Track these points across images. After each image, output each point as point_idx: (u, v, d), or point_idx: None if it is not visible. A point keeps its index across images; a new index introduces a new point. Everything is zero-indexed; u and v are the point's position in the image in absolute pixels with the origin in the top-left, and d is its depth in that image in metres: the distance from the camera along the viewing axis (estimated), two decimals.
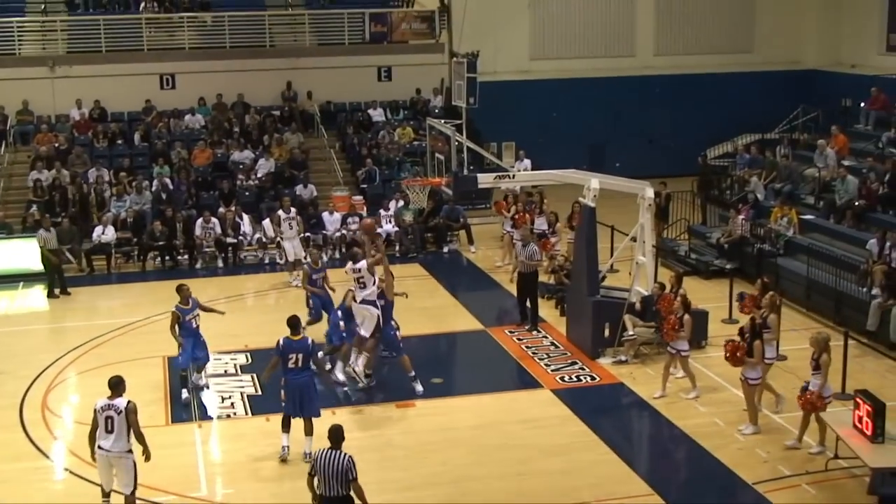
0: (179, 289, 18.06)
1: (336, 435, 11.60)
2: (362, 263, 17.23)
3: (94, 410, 13.13)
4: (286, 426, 15.16)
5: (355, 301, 17.37)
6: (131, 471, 13.08)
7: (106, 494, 13.22)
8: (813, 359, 14.81)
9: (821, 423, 14.91)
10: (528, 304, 21.04)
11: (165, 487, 14.26)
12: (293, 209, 25.23)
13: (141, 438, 13.15)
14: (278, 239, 25.50)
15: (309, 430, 15.01)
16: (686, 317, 17.05)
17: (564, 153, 29.53)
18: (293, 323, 15.21)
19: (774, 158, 27.55)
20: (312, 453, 14.24)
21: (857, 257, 21.26)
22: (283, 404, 15.15)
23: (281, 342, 15.02)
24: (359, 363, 17.39)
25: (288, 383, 15.00)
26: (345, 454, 11.47)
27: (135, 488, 13.14)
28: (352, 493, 11.42)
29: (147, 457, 13.10)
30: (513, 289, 22.37)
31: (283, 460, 15.04)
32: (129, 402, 13.12)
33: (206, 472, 14.99)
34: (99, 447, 13.04)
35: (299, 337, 15.09)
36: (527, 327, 20.91)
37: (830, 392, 14.93)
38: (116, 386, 13.24)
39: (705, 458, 15.06)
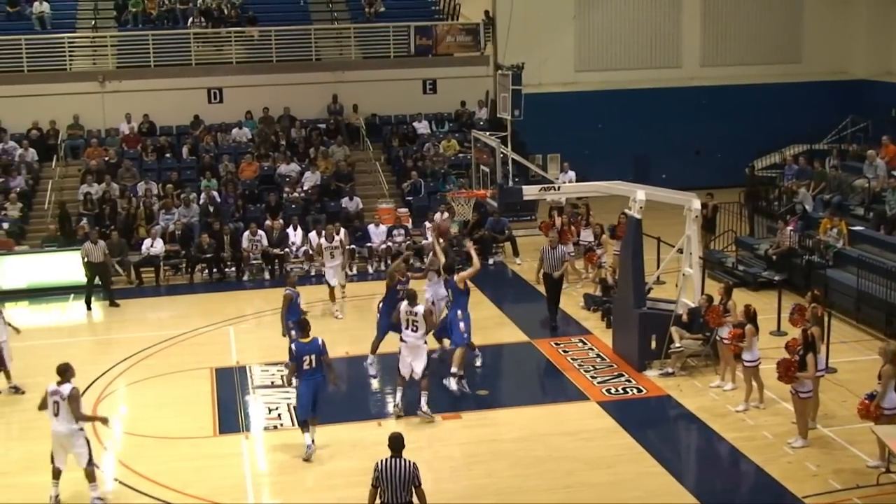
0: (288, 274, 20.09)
1: (397, 443, 11.66)
2: (420, 308, 17.15)
3: (46, 392, 14.25)
4: (305, 426, 15.70)
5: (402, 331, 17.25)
6: (84, 445, 14.14)
7: (56, 475, 14.25)
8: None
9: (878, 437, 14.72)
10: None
11: (213, 497, 14.36)
12: (336, 237, 23.56)
13: (85, 420, 14.32)
14: (321, 268, 24.20)
15: (313, 425, 15.76)
16: (748, 326, 16.88)
17: (610, 165, 29.48)
18: (302, 326, 15.86)
19: (823, 169, 27.28)
20: (311, 446, 15.50)
21: None
22: (296, 409, 16.04)
23: (293, 347, 15.62)
24: (422, 403, 17.04)
25: (303, 384, 15.55)
26: (409, 460, 11.55)
27: (90, 459, 14.17)
28: (415, 499, 11.49)
29: (105, 422, 15.01)
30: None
31: (307, 460, 15.45)
32: (72, 388, 14.16)
33: (254, 482, 15.05)
34: (53, 431, 14.15)
35: (309, 339, 15.58)
36: (551, 324, 21.75)
37: (894, 403, 14.48)
38: (64, 372, 14.29)
39: (754, 472, 14.93)
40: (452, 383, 17.94)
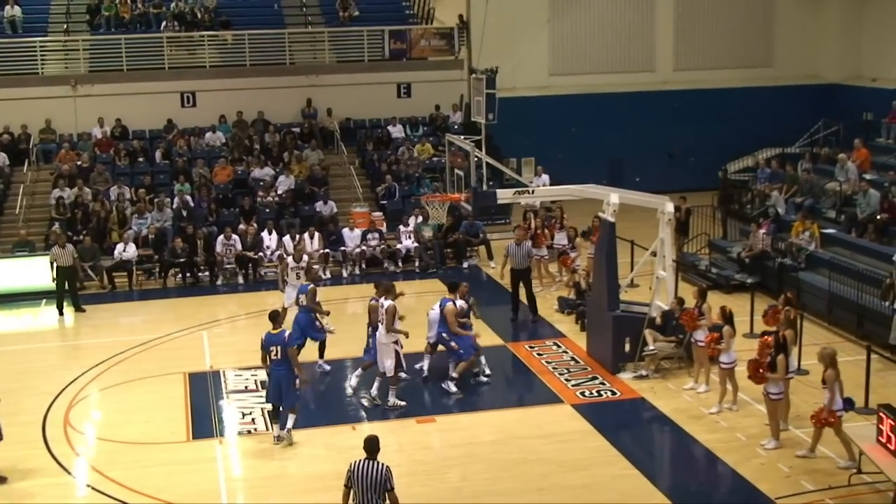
0: (310, 269, 21.69)
1: (372, 445, 11.63)
2: (387, 303, 17.51)
3: None
4: (275, 416, 16.42)
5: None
6: None
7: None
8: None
9: (842, 437, 14.84)
10: (525, 297, 22.27)
11: (187, 502, 14.31)
12: (305, 257, 22.57)
13: None
14: (281, 285, 22.30)
15: (285, 419, 16.14)
16: (726, 328, 16.96)
17: (584, 168, 29.60)
18: (273, 317, 16.35)
19: (795, 172, 27.46)
20: (283, 437, 16.01)
21: (879, 271, 21.15)
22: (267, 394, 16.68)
23: (263, 337, 16.18)
24: (391, 396, 17.61)
25: (270, 375, 16.27)
26: (382, 464, 11.51)
27: None
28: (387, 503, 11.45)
29: None
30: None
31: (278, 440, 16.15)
32: None
33: (228, 487, 15.00)
34: None
35: (278, 331, 16.09)
36: (532, 318, 22.26)
37: (840, 406, 14.79)
38: None
39: (728, 473, 14.99)
40: (452, 386, 18.33)
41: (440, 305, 18.82)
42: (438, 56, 34.96)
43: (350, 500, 11.50)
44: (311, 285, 19.83)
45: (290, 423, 16.15)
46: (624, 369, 18.89)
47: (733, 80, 36.64)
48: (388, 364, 17.47)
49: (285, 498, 14.46)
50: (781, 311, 17.25)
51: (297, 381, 16.27)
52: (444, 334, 18.70)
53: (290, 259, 22.25)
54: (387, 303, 17.53)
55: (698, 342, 17.66)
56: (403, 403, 17.60)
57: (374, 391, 17.77)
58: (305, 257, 22.50)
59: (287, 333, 16.21)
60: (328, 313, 20.13)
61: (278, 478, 15.15)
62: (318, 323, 19.54)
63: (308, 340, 19.17)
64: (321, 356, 19.62)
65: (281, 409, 16.34)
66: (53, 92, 32.48)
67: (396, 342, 17.55)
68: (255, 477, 15.35)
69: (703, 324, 17.63)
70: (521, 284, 22.50)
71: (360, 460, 11.53)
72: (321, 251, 26.86)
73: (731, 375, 17.00)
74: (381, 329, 17.51)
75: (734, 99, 36.23)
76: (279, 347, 15.94)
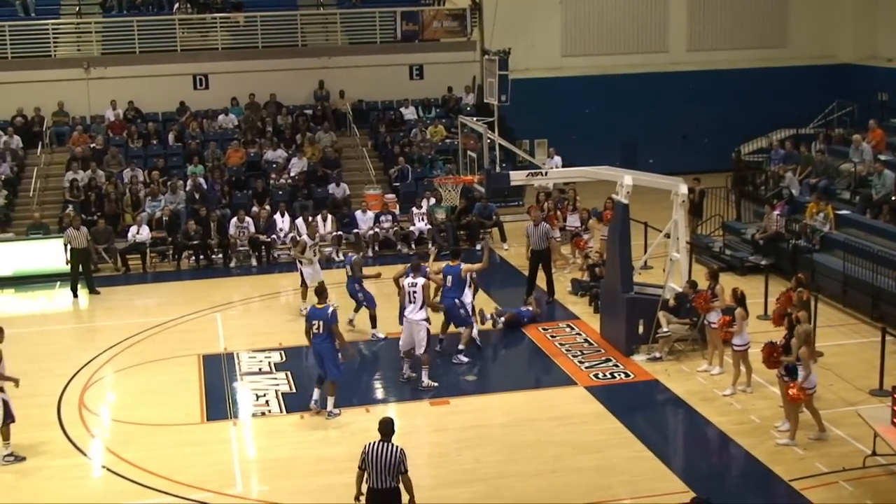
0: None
1: (386, 427, 11.70)
2: (420, 280, 17.69)
3: None
4: (320, 382, 16.62)
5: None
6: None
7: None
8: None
9: (811, 410, 15.17)
10: (544, 278, 22.36)
11: (201, 484, 14.33)
12: (317, 235, 23.42)
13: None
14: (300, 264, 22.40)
15: (331, 391, 16.43)
16: (738, 310, 16.91)
17: (597, 150, 29.56)
18: (319, 291, 16.61)
19: (809, 153, 27.31)
20: (333, 412, 16.19)
21: (894, 253, 21.04)
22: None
23: (307, 310, 16.90)
24: (423, 376, 17.73)
25: (312, 348, 16.47)
26: (396, 446, 11.56)
27: (5, 419, 15.01)
28: (400, 485, 11.52)
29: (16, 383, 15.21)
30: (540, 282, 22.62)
31: (313, 410, 16.59)
32: None
33: (242, 469, 15.03)
34: None
35: (322, 305, 16.33)
36: (547, 300, 22.31)
37: (814, 383, 15.06)
38: None
39: (742, 455, 14.98)
40: (462, 357, 18.79)
41: (445, 272, 19.08)
42: (451, 37, 34.86)
43: (364, 482, 11.53)
44: (356, 255, 20.59)
45: (330, 404, 16.43)
46: (637, 351, 18.88)
47: (747, 61, 36.54)
48: (423, 345, 17.60)
49: (299, 480, 14.47)
50: (793, 295, 17.20)
51: (341, 354, 16.51)
52: (456, 300, 18.88)
53: (305, 237, 22.43)
54: (421, 280, 17.70)
55: (711, 324, 17.63)
56: (436, 384, 17.66)
57: (406, 369, 17.97)
58: (320, 231, 22.87)
59: (332, 309, 16.31)
60: (379, 275, 20.95)
61: (292, 459, 15.17)
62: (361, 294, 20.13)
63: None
64: (374, 325, 20.16)
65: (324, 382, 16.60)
66: (66, 74, 32.54)
67: (427, 319, 17.67)
68: (269, 458, 15.38)
69: (716, 306, 17.60)
70: (540, 267, 22.40)
71: (374, 442, 11.56)
72: (334, 233, 26.86)
73: (744, 358, 16.95)
74: (411, 307, 17.59)
75: (748, 79, 36.12)
76: (321, 322, 16.16)
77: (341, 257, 26.35)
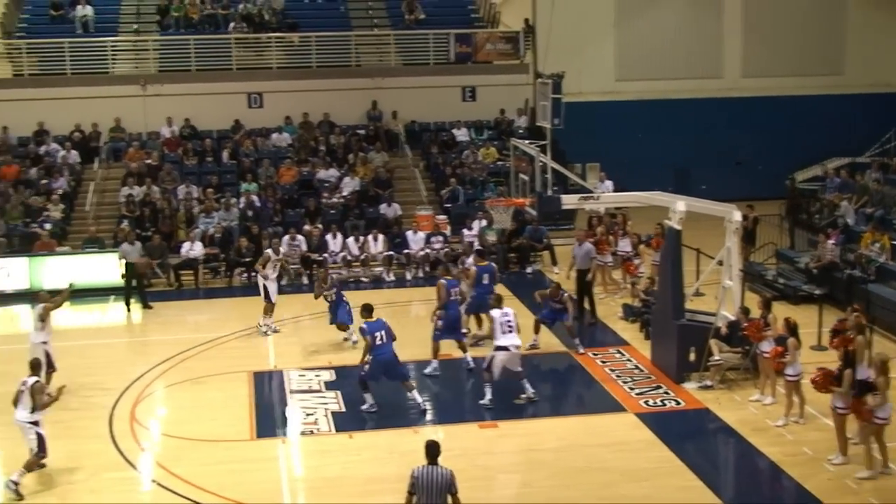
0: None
1: (434, 450, 11.67)
2: (511, 310, 18.08)
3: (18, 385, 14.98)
4: (366, 387, 17.51)
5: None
6: (34, 440, 14.73)
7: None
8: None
9: (882, 444, 14.83)
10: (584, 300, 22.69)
11: (250, 501, 14.38)
12: (282, 250, 23.84)
13: (43, 408, 14.88)
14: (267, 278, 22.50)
15: (409, 388, 17.74)
16: (791, 340, 16.75)
17: (649, 175, 29.31)
18: (367, 308, 17.64)
19: (865, 182, 27.05)
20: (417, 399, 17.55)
21: None
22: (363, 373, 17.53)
23: (364, 326, 17.40)
24: (527, 387, 17.91)
25: (375, 359, 17.24)
26: (446, 469, 11.55)
27: (39, 452, 14.75)
28: None
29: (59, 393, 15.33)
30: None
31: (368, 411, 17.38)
32: (36, 380, 14.98)
33: (290, 487, 15.07)
34: (15, 418, 14.86)
35: (375, 319, 17.48)
36: (589, 321, 22.51)
37: (888, 412, 14.69)
38: (32, 367, 15.35)
39: (793, 488, 14.77)
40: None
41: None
42: (504, 60, 34.98)
43: None
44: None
45: (417, 396, 17.64)
46: (689, 379, 18.70)
47: (802, 88, 36.28)
48: (519, 366, 17.96)
49: (346, 499, 14.46)
50: (849, 322, 17.00)
51: None
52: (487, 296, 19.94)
53: (269, 251, 22.87)
54: (512, 310, 18.18)
55: (764, 353, 17.46)
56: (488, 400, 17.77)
57: (489, 395, 17.83)
58: (282, 250, 23.71)
59: (383, 321, 17.45)
60: None
61: (340, 479, 15.18)
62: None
63: None
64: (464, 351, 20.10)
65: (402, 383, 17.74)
66: (123, 91, 33.02)
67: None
68: (317, 477, 15.43)
69: (769, 335, 17.42)
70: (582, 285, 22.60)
71: (422, 466, 11.54)
72: (385, 253, 26.97)
73: (797, 388, 16.76)
74: (511, 335, 17.81)
75: (803, 106, 35.88)
76: (383, 332, 17.24)
77: (392, 277, 26.51)
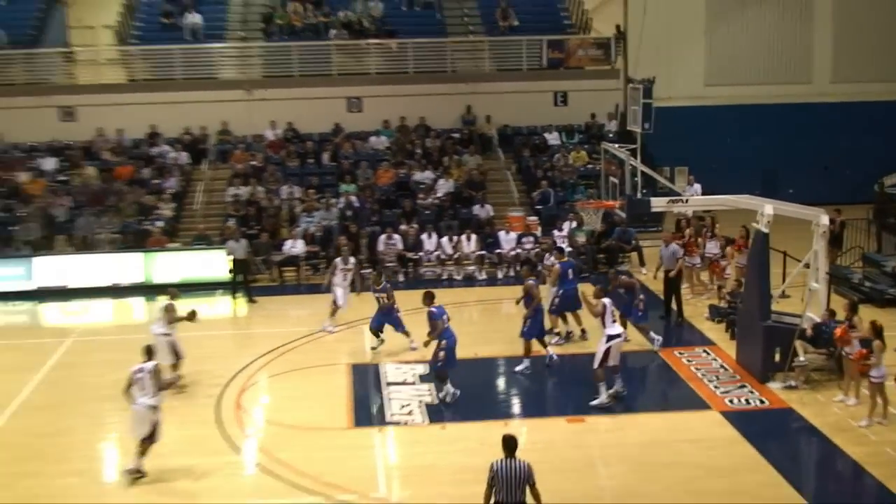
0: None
1: (511, 444, 11.81)
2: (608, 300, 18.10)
3: (129, 373, 15.06)
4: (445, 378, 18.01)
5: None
6: (151, 424, 14.94)
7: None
8: None
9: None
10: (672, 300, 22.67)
11: (347, 486, 14.72)
12: (352, 259, 23.37)
13: (163, 389, 15.33)
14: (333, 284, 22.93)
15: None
16: (876, 342, 16.64)
17: (737, 179, 29.11)
18: (430, 295, 18.65)
19: None
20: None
21: None
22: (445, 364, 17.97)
23: (435, 310, 18.24)
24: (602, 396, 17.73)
25: (449, 339, 18.09)
26: (524, 461, 11.70)
27: (147, 437, 14.94)
28: (529, 498, 11.66)
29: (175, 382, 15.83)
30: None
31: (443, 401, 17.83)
32: (155, 364, 15.22)
33: (385, 474, 15.39)
34: (137, 403, 14.93)
35: (438, 305, 18.52)
36: (676, 321, 22.49)
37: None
38: (148, 352, 15.35)
39: (875, 487, 14.68)
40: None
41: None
42: (595, 65, 34.89)
43: (494, 495, 11.68)
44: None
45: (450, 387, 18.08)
46: (773, 379, 18.62)
47: (891, 93, 35.54)
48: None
49: (439, 487, 14.73)
50: None
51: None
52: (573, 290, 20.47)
53: (338, 261, 22.83)
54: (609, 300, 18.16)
55: (849, 355, 17.33)
56: (605, 401, 17.71)
57: (618, 385, 17.97)
58: (352, 259, 23.18)
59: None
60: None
61: (432, 468, 15.45)
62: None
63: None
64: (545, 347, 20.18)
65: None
66: (230, 96, 33.59)
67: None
68: (411, 465, 15.73)
69: (854, 337, 17.29)
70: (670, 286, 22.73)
71: (501, 460, 11.71)
72: (477, 253, 27.23)
73: (881, 390, 16.62)
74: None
75: (892, 112, 35.19)
76: (446, 316, 18.13)
77: (483, 276, 26.74)
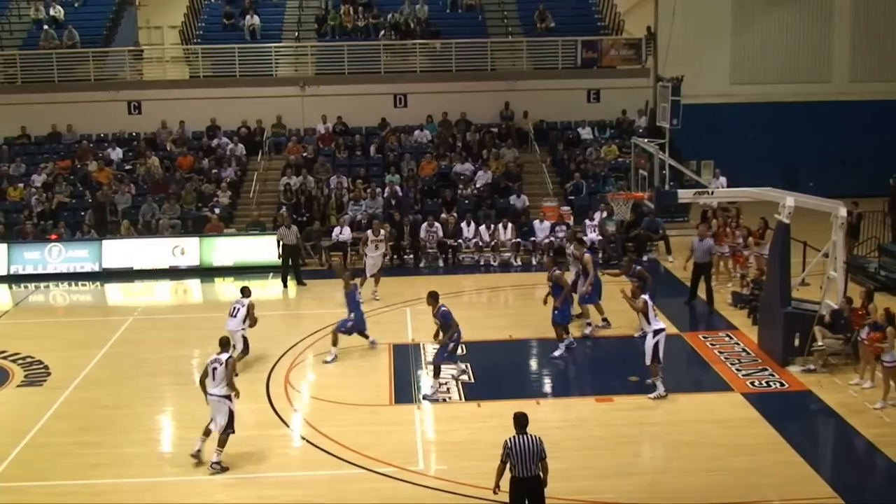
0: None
1: (523, 421, 11.80)
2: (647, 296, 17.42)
3: (206, 363, 14.63)
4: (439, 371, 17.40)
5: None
6: (227, 414, 14.44)
7: (206, 433, 14.69)
8: None
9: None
10: (704, 288, 22.19)
11: (388, 460, 14.57)
12: (383, 231, 24.20)
13: (231, 386, 14.50)
14: (365, 254, 24.11)
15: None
16: (890, 329, 16.20)
17: (760, 172, 28.61)
18: (434, 295, 17.50)
19: None
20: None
21: None
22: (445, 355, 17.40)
23: (446, 308, 17.37)
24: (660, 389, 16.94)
25: (455, 342, 17.34)
26: (535, 436, 11.67)
27: (227, 428, 14.44)
28: (539, 471, 11.62)
29: (237, 394, 14.61)
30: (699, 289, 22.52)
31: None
32: (230, 356, 14.72)
33: (423, 448, 15.24)
34: (208, 393, 14.49)
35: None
36: (708, 311, 21.85)
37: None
38: (225, 344, 14.95)
39: (888, 466, 14.33)
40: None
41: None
42: (626, 65, 34.43)
43: (510, 471, 11.64)
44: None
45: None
46: (793, 363, 18.22)
47: None
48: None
49: (474, 462, 14.47)
50: None
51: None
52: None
53: (369, 232, 23.50)
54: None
55: (864, 340, 16.90)
56: (663, 393, 16.88)
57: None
58: (382, 231, 23.90)
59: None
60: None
61: (469, 443, 15.25)
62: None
63: None
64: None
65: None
66: (284, 91, 33.54)
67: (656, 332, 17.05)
68: (448, 441, 15.54)
69: (868, 321, 16.86)
70: (703, 279, 22.22)
71: (514, 436, 11.66)
72: (513, 240, 26.93)
73: (893, 374, 16.20)
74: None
75: None
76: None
77: (519, 262, 26.47)
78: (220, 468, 14.43)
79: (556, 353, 19.12)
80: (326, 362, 18.93)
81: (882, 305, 17.53)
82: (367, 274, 23.48)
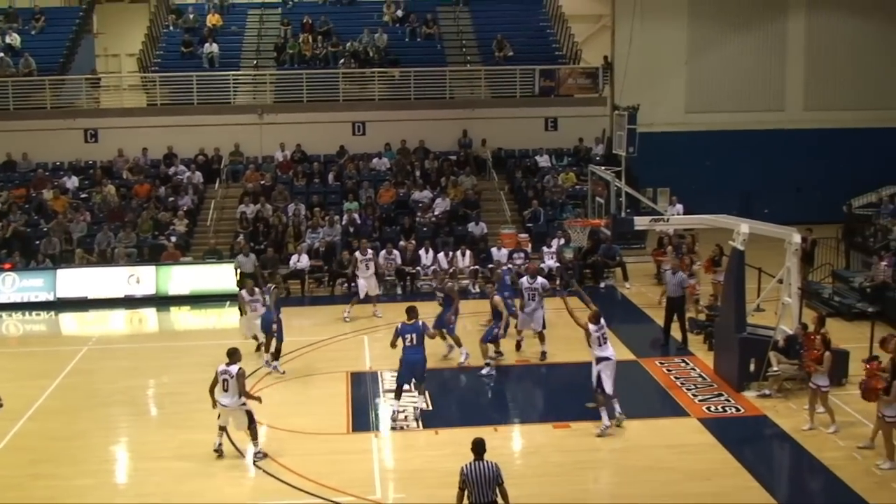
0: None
1: (480, 447, 11.72)
2: (600, 326, 16.61)
3: (216, 372, 15.38)
4: (399, 395, 17.33)
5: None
6: (245, 417, 15.42)
7: (222, 430, 15.55)
8: None
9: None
10: (678, 325, 21.47)
11: (345, 489, 14.45)
12: (370, 251, 24.77)
13: (246, 396, 15.40)
14: (357, 276, 24.58)
15: (421, 391, 17.50)
16: (826, 354, 16.38)
17: (715, 200, 28.83)
18: (409, 312, 17.26)
19: None
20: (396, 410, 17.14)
21: None
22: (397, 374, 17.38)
23: (399, 326, 17.13)
24: (609, 415, 16.52)
25: (404, 360, 17.05)
26: (492, 462, 11.60)
27: (250, 425, 15.39)
28: (498, 497, 11.54)
29: (258, 401, 15.70)
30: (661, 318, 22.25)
31: (393, 420, 17.11)
32: (239, 368, 15.35)
33: (381, 477, 15.12)
34: (220, 403, 15.32)
35: (413, 321, 17.11)
36: (678, 346, 21.26)
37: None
38: (233, 354, 15.53)
39: (842, 490, 14.41)
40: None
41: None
42: (583, 93, 34.70)
43: (466, 498, 11.54)
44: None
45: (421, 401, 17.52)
46: (748, 388, 18.34)
47: (859, 121, 35.38)
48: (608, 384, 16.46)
49: (430, 490, 14.44)
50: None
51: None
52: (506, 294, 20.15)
53: (357, 254, 24.04)
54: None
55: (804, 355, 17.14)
56: (607, 423, 16.48)
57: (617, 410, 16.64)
58: (370, 251, 24.61)
59: (422, 324, 17.26)
60: None
61: (426, 471, 15.18)
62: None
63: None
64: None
65: (413, 386, 17.46)
66: (242, 119, 33.48)
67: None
68: (406, 469, 15.47)
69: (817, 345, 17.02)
70: (676, 315, 21.48)
71: (470, 463, 11.59)
72: (471, 267, 26.95)
73: (824, 398, 16.55)
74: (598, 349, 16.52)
75: (859, 138, 35.01)
76: (415, 336, 16.99)
77: (477, 289, 26.46)
78: (263, 455, 15.43)
79: (484, 371, 19.48)
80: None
81: (835, 330, 17.79)
82: (361, 295, 23.99)
